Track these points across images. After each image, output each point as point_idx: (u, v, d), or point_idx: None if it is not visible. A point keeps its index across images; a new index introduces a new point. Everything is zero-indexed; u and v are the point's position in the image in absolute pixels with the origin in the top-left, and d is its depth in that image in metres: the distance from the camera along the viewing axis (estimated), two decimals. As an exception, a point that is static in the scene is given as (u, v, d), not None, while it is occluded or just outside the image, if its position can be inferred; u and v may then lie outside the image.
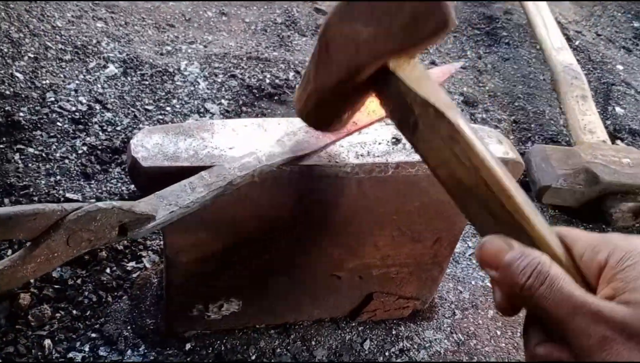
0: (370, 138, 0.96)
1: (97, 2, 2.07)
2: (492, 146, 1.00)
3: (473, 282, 1.37)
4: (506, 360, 1.22)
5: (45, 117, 1.53)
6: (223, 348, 1.13)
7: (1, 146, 1.41)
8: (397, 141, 0.97)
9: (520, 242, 0.57)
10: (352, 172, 0.92)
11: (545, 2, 2.26)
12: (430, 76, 0.69)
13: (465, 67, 2.21)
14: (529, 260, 0.54)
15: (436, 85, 0.67)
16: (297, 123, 0.97)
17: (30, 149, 1.43)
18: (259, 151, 0.86)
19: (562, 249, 0.58)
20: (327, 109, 0.81)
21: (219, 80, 1.83)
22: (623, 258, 0.53)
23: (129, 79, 1.75)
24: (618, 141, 1.91)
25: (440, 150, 0.63)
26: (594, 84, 2.19)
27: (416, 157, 0.94)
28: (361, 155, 0.92)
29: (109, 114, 1.60)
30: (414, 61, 0.69)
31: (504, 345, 1.24)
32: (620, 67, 2.33)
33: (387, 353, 1.19)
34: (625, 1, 2.81)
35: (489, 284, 1.37)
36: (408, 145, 0.96)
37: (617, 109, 2.06)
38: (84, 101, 1.62)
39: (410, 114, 0.65)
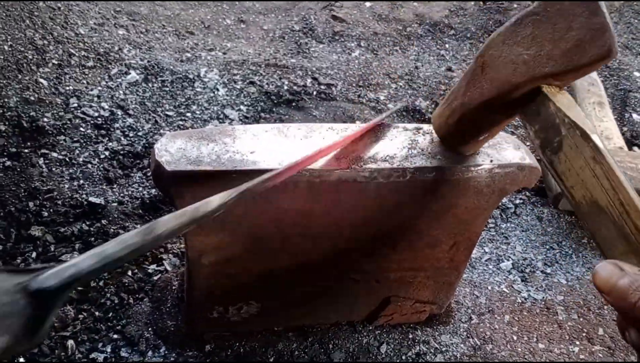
0: (388, 143, 0.98)
1: (119, 10, 2.11)
2: (510, 152, 1.01)
3: (489, 287, 1.38)
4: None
5: (68, 122, 1.56)
6: (242, 350, 1.15)
7: (26, 150, 1.45)
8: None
9: None
10: (370, 176, 0.93)
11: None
12: (576, 105, 0.74)
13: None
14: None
15: (582, 113, 0.71)
16: (316, 129, 0.98)
17: (54, 154, 1.46)
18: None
19: None
20: (467, 127, 0.87)
21: (238, 86, 1.86)
22: None
23: (150, 85, 1.78)
24: (635, 148, 1.90)
25: (580, 170, 0.67)
26: (611, 90, 2.19)
27: (434, 162, 0.95)
28: (380, 160, 0.94)
29: (130, 120, 1.63)
30: (563, 90, 0.74)
31: (520, 350, 1.25)
32: (637, 74, 2.33)
33: (403, 357, 1.20)
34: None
35: (505, 289, 1.38)
36: (426, 150, 0.97)
37: (634, 115, 2.06)
38: (106, 107, 1.65)
39: (556, 135, 0.70)
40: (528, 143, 1.86)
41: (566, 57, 0.70)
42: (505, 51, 0.76)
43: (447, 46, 2.37)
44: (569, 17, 0.70)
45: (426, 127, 1.04)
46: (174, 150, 0.89)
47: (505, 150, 1.01)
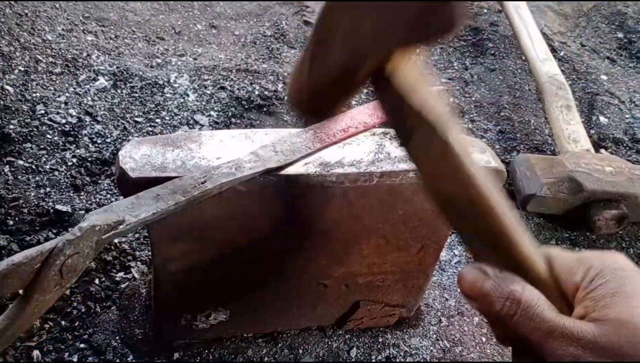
0: (355, 148, 0.98)
1: (87, 15, 2.09)
2: (475, 155, 1.02)
3: (459, 290, 1.39)
4: (492, 367, 1.24)
5: (35, 129, 1.54)
6: (211, 357, 1.14)
7: (-9, 158, 1.42)
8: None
9: (507, 260, 0.58)
10: (337, 181, 0.94)
11: (530, 14, 2.30)
12: (428, 80, 0.66)
13: (452, 78, 2.24)
14: (502, 288, 0.55)
15: (432, 90, 0.64)
16: (284, 134, 0.98)
17: (20, 162, 1.44)
18: (232, 162, 0.88)
19: (546, 269, 0.59)
20: (321, 99, 0.79)
21: (209, 92, 1.85)
22: (595, 277, 0.55)
23: (119, 91, 1.77)
24: (602, 150, 1.94)
25: (431, 163, 0.62)
26: (579, 94, 2.23)
27: (401, 166, 0.96)
28: (346, 165, 0.94)
29: (98, 127, 1.61)
30: (413, 60, 0.64)
31: (489, 351, 1.26)
32: (604, 77, 2.37)
33: (373, 361, 1.20)
34: (609, 12, 2.85)
35: (475, 292, 1.39)
36: (392, 154, 0.98)
37: (601, 118, 2.10)
38: (74, 114, 1.63)
39: (404, 123, 0.63)
40: (497, 146, 1.88)
41: (409, 29, 0.59)
42: (346, 18, 0.63)
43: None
44: None
45: (393, 131, 1.05)
46: (139, 156, 0.88)
47: (474, 161, 1.02)
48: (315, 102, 0.77)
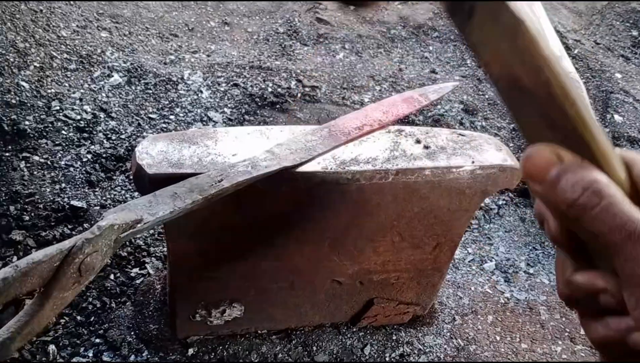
0: (371, 145, 0.98)
1: (101, 12, 2.10)
2: (491, 153, 1.01)
3: (473, 288, 1.39)
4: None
5: (50, 125, 1.55)
6: (225, 353, 1.14)
7: (7, 154, 1.43)
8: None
9: (582, 156, 0.49)
10: (353, 178, 0.93)
11: (543, 11, 2.29)
12: None
13: (465, 75, 2.23)
14: (582, 176, 0.47)
15: None
16: (298, 131, 0.98)
17: (36, 157, 1.45)
18: (248, 160, 0.88)
19: (625, 171, 0.51)
20: None
21: (222, 89, 1.86)
22: None
23: (133, 88, 1.78)
24: (616, 149, 1.92)
25: (497, 43, 0.52)
26: (593, 92, 2.21)
27: (416, 164, 0.96)
28: (362, 162, 0.94)
29: (113, 123, 1.62)
30: None
31: (503, 350, 1.26)
32: (618, 75, 2.35)
33: (387, 359, 1.20)
34: (623, 10, 2.83)
35: (488, 290, 1.39)
36: (408, 152, 0.98)
37: (616, 117, 2.08)
38: (89, 110, 1.64)
39: None
40: (511, 144, 1.87)
41: None
42: None
43: (430, 48, 2.38)
44: None
45: (408, 129, 1.05)
46: (155, 153, 0.89)
47: (486, 151, 1.02)
48: None
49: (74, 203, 1.34)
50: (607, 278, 0.48)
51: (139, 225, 0.75)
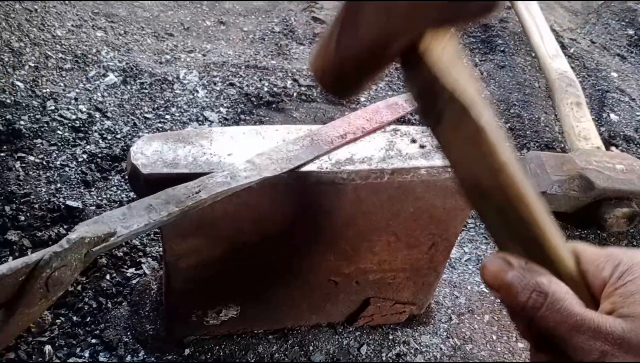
0: (366, 145, 0.98)
1: (97, 11, 2.09)
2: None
3: (469, 287, 1.39)
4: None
5: (45, 125, 1.54)
6: (222, 353, 1.14)
7: (2, 154, 1.43)
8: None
9: (534, 253, 0.56)
10: (348, 178, 0.93)
11: (539, 10, 2.29)
12: (462, 60, 0.61)
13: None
14: (527, 280, 0.53)
15: (467, 72, 0.60)
16: (293, 130, 0.98)
17: (31, 157, 1.45)
18: (227, 171, 0.86)
19: (574, 263, 0.58)
20: (347, 78, 0.71)
21: (218, 88, 1.85)
22: (624, 273, 0.54)
23: (129, 87, 1.77)
24: (612, 148, 1.93)
25: (462, 147, 0.58)
26: (589, 91, 2.21)
27: (412, 163, 0.96)
28: (357, 161, 0.94)
29: (108, 123, 1.62)
30: (448, 38, 0.60)
31: (500, 349, 1.26)
32: (614, 74, 2.35)
33: (383, 358, 1.20)
34: (619, 9, 2.84)
35: (484, 289, 1.39)
36: (403, 151, 0.98)
37: (612, 116, 2.08)
38: (84, 110, 1.64)
39: (434, 105, 0.59)
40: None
41: (446, 7, 0.56)
42: None
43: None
44: None
45: (404, 128, 1.05)
46: (150, 153, 0.89)
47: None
48: (341, 79, 0.69)
49: (70, 203, 1.34)
50: None
51: (112, 238, 0.73)
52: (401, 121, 1.86)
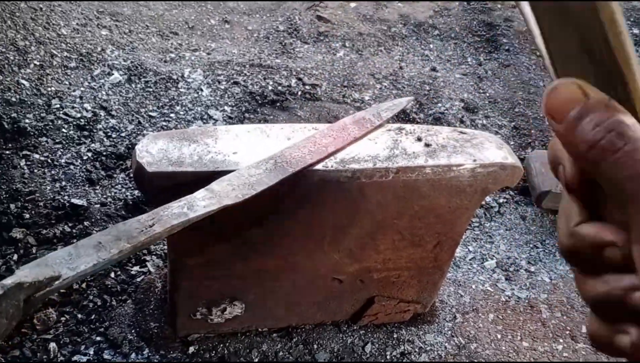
0: (371, 144, 0.98)
1: (101, 10, 2.10)
2: (492, 151, 1.01)
3: (474, 286, 1.38)
4: (505, 362, 1.24)
5: (50, 123, 1.55)
6: (226, 351, 1.14)
7: (7, 152, 1.43)
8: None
9: (615, 94, 0.45)
10: (353, 177, 0.93)
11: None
12: None
13: (466, 73, 2.23)
14: (606, 116, 0.42)
15: None
16: (298, 128, 0.98)
17: (36, 155, 1.45)
18: (184, 200, 0.81)
19: None
20: None
21: (222, 87, 1.85)
22: None
23: (133, 86, 1.77)
24: None
25: None
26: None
27: (417, 162, 0.96)
28: (362, 160, 0.94)
29: (113, 121, 1.62)
30: None
31: (504, 348, 1.26)
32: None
33: (388, 357, 1.20)
34: (624, 8, 2.83)
35: (489, 288, 1.39)
36: (408, 150, 0.98)
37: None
38: (89, 108, 1.64)
39: None
40: (512, 142, 1.87)
41: None
42: None
43: (431, 46, 2.37)
44: None
45: (409, 127, 1.05)
46: (155, 151, 0.89)
47: (487, 150, 1.02)
48: None
49: (75, 201, 1.34)
50: (617, 231, 0.44)
51: (56, 282, 0.67)
52: (406, 119, 1.86)
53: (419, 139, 1.01)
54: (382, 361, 1.19)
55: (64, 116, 1.59)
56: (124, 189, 1.42)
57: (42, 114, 1.57)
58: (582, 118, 0.42)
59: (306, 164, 0.90)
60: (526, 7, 0.55)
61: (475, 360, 1.23)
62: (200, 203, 0.81)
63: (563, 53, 0.48)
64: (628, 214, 0.42)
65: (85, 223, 1.30)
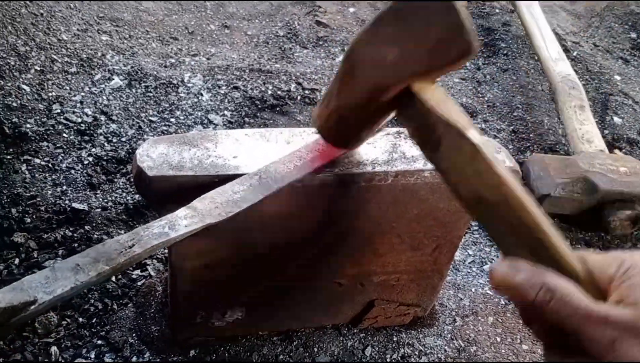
0: (370, 147, 0.99)
1: (102, 16, 2.11)
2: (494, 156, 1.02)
3: (473, 289, 1.39)
4: (506, 366, 1.24)
5: (51, 128, 1.56)
6: (227, 355, 1.15)
7: (8, 157, 1.44)
8: None
9: (541, 256, 0.60)
10: (352, 180, 0.94)
11: (542, 13, 2.29)
12: (449, 98, 0.72)
13: (464, 78, 2.24)
14: (535, 279, 0.57)
15: (455, 106, 0.70)
16: (297, 133, 0.99)
17: (37, 160, 1.46)
18: (165, 219, 0.79)
19: (580, 264, 0.61)
20: (347, 127, 0.85)
21: (222, 92, 1.86)
22: (629, 268, 0.57)
23: (134, 91, 1.78)
24: (616, 150, 1.93)
25: (462, 168, 0.66)
26: (592, 94, 2.22)
27: (415, 166, 0.96)
28: (361, 164, 0.95)
29: (114, 126, 1.63)
30: (435, 84, 0.73)
31: (504, 351, 1.26)
32: (617, 77, 2.36)
33: (388, 360, 1.20)
34: (622, 12, 2.84)
35: (489, 291, 1.39)
36: (407, 154, 0.98)
37: (615, 118, 2.09)
38: (90, 113, 1.65)
39: (432, 134, 0.67)
40: (511, 146, 1.88)
41: (430, 56, 0.68)
42: (370, 52, 0.73)
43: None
44: (425, 16, 0.68)
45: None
46: (156, 155, 0.89)
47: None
48: (342, 129, 0.85)
49: (75, 205, 1.35)
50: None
51: (32, 307, 0.65)
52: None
53: (418, 143, 1.01)
54: (382, 364, 1.20)
55: (64, 121, 1.59)
56: (124, 194, 1.43)
57: (43, 119, 1.58)
58: (518, 287, 0.58)
59: (292, 179, 0.88)
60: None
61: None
62: (182, 222, 0.79)
63: (498, 237, 0.65)
64: (578, 343, 0.54)
65: (86, 227, 1.31)
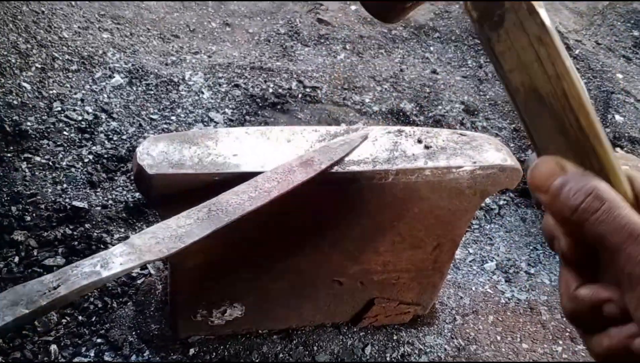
0: (371, 145, 0.98)
1: (103, 13, 2.10)
2: (491, 153, 1.02)
3: (473, 288, 1.39)
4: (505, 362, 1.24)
5: (52, 126, 1.55)
6: (226, 353, 1.15)
7: (9, 154, 1.44)
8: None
9: (590, 166, 0.53)
10: (353, 179, 0.94)
11: (545, 11, 2.29)
12: None
13: (466, 76, 2.23)
14: (583, 183, 0.50)
15: None
16: (298, 131, 0.99)
17: (37, 158, 1.45)
18: (98, 257, 0.72)
19: (628, 185, 0.55)
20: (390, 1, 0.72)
21: (223, 90, 1.86)
22: None
23: (134, 88, 1.78)
24: (617, 149, 1.92)
25: (522, 51, 0.57)
26: (594, 92, 2.21)
27: (416, 164, 0.96)
28: (362, 162, 0.94)
29: (114, 123, 1.63)
30: None
31: (504, 350, 1.26)
32: (619, 75, 2.35)
33: (388, 358, 1.20)
34: (625, 11, 2.83)
35: (489, 290, 1.39)
36: (408, 152, 0.98)
37: (617, 117, 2.08)
38: (90, 111, 1.65)
39: (498, 7, 0.58)
40: (512, 144, 1.87)
41: None
42: None
43: (431, 48, 2.38)
44: None
45: (408, 129, 1.05)
46: (156, 153, 0.89)
47: (486, 152, 1.02)
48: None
49: (76, 203, 1.35)
50: (611, 288, 0.50)
51: None
52: (406, 122, 1.86)
53: (419, 141, 1.01)
54: (382, 362, 1.19)
55: (65, 119, 1.59)
56: (125, 192, 1.42)
57: (43, 117, 1.58)
58: (563, 187, 0.50)
59: (244, 211, 0.83)
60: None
61: (475, 362, 1.23)
62: (117, 259, 0.72)
63: (542, 136, 0.57)
64: (616, 265, 0.48)
65: (87, 226, 1.31)
